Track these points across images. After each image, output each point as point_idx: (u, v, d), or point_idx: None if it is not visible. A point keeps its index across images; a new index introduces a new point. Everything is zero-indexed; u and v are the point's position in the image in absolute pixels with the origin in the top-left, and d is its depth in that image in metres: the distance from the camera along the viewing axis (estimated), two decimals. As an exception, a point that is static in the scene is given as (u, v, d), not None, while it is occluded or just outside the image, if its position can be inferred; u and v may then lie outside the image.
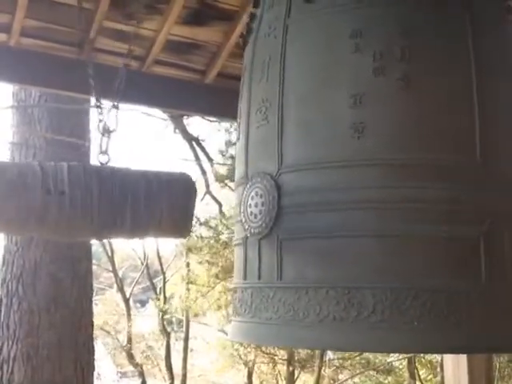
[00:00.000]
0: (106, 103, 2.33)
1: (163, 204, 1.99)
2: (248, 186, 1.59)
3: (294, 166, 1.51)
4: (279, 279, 1.49)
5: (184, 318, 12.78)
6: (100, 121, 2.21)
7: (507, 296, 1.42)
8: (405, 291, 1.35)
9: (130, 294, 13.48)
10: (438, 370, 9.17)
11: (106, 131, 2.17)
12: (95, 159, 2.12)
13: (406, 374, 10.09)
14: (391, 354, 9.99)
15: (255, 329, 1.56)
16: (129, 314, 12.49)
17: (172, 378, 12.18)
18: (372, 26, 1.48)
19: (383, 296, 1.35)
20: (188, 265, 11.70)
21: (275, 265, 1.50)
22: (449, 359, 2.73)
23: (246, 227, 1.57)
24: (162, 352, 12.54)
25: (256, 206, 1.55)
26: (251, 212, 1.56)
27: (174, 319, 13.47)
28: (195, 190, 2.10)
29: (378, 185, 1.41)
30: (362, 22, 1.49)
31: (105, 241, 12.81)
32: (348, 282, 1.39)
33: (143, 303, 16.62)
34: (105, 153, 2.13)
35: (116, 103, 2.23)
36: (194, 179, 2.13)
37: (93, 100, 2.36)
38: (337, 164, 1.45)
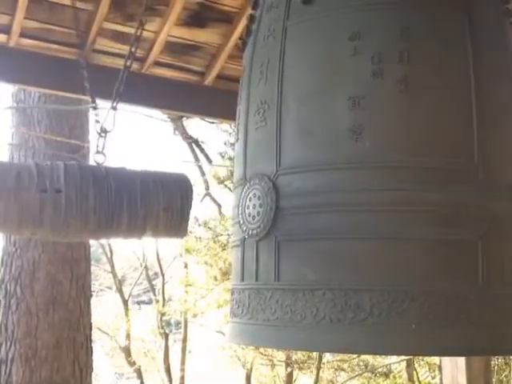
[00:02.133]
0: (106, 104, 2.34)
1: (160, 204, 1.99)
2: (246, 187, 1.59)
3: (292, 167, 1.51)
4: (276, 280, 1.49)
5: (182, 320, 12.78)
6: (97, 121, 2.21)
7: (505, 298, 1.43)
8: (402, 294, 1.35)
9: (129, 295, 13.47)
10: (437, 372, 9.17)
11: (103, 131, 2.17)
12: (92, 159, 2.12)
13: (405, 376, 10.10)
14: (389, 356, 9.99)
15: (252, 330, 1.56)
16: (127, 315, 12.48)
17: (170, 379, 12.17)
18: (371, 29, 1.48)
19: (380, 298, 1.35)
20: (187, 266, 11.71)
21: (273, 266, 1.50)
22: (447, 361, 2.74)
23: (244, 229, 1.57)
24: (161, 353, 12.53)
25: (254, 207, 1.55)
26: (249, 213, 1.56)
27: (172, 320, 13.47)
28: (192, 191, 2.10)
29: (375, 187, 1.41)
30: (361, 24, 1.49)
31: (104, 242, 12.81)
32: (345, 284, 1.39)
33: (142, 304, 16.61)
34: (101, 153, 2.13)
35: (115, 104, 2.23)
36: (190, 180, 2.13)
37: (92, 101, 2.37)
38: (335, 166, 1.46)
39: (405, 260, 1.38)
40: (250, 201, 1.56)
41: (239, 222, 1.60)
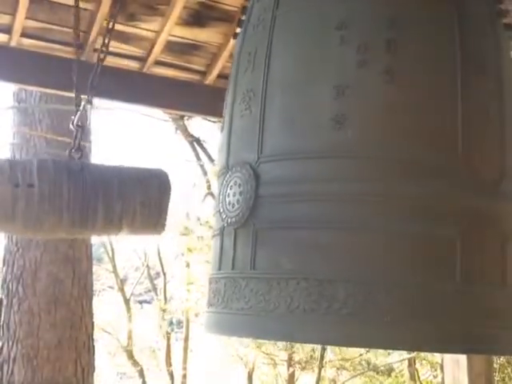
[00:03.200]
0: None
1: (136, 200, 1.95)
2: (228, 175, 1.58)
3: (274, 155, 1.49)
4: (252, 269, 1.47)
5: (184, 319, 12.77)
6: (75, 117, 2.20)
7: (484, 296, 1.41)
8: (377, 286, 1.33)
9: (131, 294, 13.47)
10: (439, 370, 9.17)
11: (78, 127, 2.16)
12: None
13: (407, 375, 10.09)
14: (391, 355, 9.97)
15: (227, 320, 1.54)
16: (129, 315, 12.49)
17: (172, 378, 12.18)
18: (358, 18, 1.47)
19: (355, 289, 1.33)
20: (188, 265, 11.70)
21: (249, 255, 1.48)
22: (449, 360, 2.73)
23: (224, 217, 1.55)
24: (163, 352, 12.53)
25: (234, 195, 1.53)
26: (229, 202, 1.54)
27: (174, 320, 13.47)
28: (169, 186, 2.06)
29: (356, 178, 1.40)
30: (348, 13, 1.48)
31: (106, 241, 12.82)
32: (320, 274, 1.37)
33: (144, 304, 16.62)
34: (77, 148, 2.11)
35: (90, 98, 2.22)
36: (168, 174, 2.09)
37: (92, 101, 2.36)
38: (315, 155, 1.44)
39: (383, 252, 1.36)
40: (230, 189, 1.55)
41: (219, 210, 1.58)
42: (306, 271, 1.39)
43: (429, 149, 1.41)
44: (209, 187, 11.20)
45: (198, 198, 12.16)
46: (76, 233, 2.04)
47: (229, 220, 1.53)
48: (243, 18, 1.78)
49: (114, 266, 13.01)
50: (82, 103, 2.22)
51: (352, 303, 1.33)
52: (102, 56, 2.26)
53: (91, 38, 2.64)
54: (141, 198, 1.95)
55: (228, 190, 1.55)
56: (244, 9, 1.80)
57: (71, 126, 2.16)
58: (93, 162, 2.04)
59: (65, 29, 2.63)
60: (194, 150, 10.76)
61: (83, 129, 2.13)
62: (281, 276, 1.41)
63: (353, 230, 1.39)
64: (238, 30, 1.84)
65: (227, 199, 1.55)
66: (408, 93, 1.42)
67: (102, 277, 13.96)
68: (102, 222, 1.92)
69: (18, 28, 2.55)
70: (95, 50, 2.69)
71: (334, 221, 1.39)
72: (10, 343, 5.50)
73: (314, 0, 1.55)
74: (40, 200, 1.84)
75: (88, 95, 2.21)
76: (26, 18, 2.53)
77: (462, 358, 2.61)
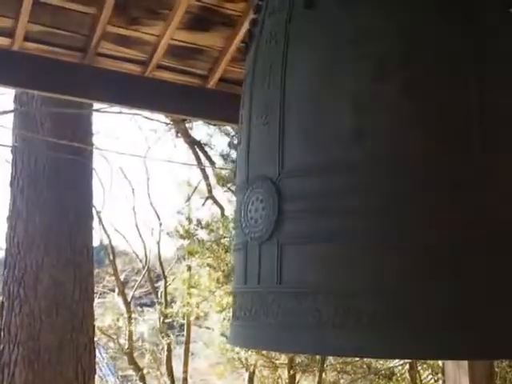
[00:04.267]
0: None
1: None
2: (249, 190, 1.59)
3: (295, 170, 1.51)
4: (279, 284, 1.49)
5: (185, 322, 12.77)
6: None
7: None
8: (405, 299, 1.34)
9: (132, 297, 13.47)
10: (440, 374, 9.16)
11: None
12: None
13: (408, 379, 10.08)
14: (392, 360, 9.97)
15: (254, 334, 1.56)
16: (130, 318, 12.49)
17: (173, 381, 12.17)
18: (373, 33, 1.48)
19: (383, 303, 1.35)
20: (189, 268, 11.70)
21: (275, 269, 1.49)
22: (450, 364, 2.74)
23: (247, 232, 1.57)
24: (163, 356, 12.53)
25: (256, 210, 1.55)
26: (251, 217, 1.56)
27: (175, 323, 13.47)
28: None
29: (378, 191, 1.41)
30: (363, 28, 1.49)
31: (106, 244, 12.83)
32: (347, 287, 1.39)
33: (145, 307, 16.62)
34: None
35: None
36: None
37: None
38: (337, 169, 1.45)
39: (407, 265, 1.37)
40: (252, 204, 1.56)
41: (241, 225, 1.60)
42: (332, 285, 1.41)
43: (445, 162, 1.41)
44: (209, 191, 11.22)
45: (199, 202, 12.18)
46: None
47: (252, 235, 1.55)
48: (253, 30, 1.78)
49: (115, 269, 13.01)
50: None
51: (380, 316, 1.34)
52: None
53: (94, 42, 2.65)
54: None
55: (250, 206, 1.57)
56: (254, 22, 1.80)
57: None
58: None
59: (67, 33, 2.64)
60: (195, 153, 10.78)
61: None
62: (308, 290, 1.43)
63: (378, 244, 1.40)
64: (247, 39, 1.84)
65: (249, 214, 1.56)
66: (423, 106, 1.42)
67: (103, 280, 13.97)
68: None
69: (20, 32, 2.56)
70: (98, 54, 2.70)
71: (359, 235, 1.40)
72: (11, 346, 5.51)
73: (326, 15, 1.56)
74: None
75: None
76: (29, 21, 2.54)
77: (463, 362, 2.62)
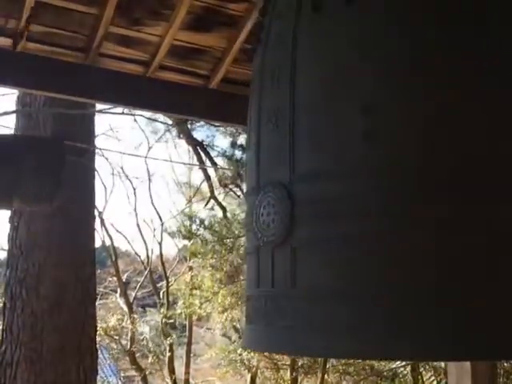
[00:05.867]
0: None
1: (28, 165, 1.85)
2: (260, 195, 1.59)
3: (307, 174, 1.50)
4: (293, 287, 1.49)
5: (187, 323, 12.77)
6: None
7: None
8: (421, 299, 1.34)
9: (134, 298, 13.49)
10: (443, 375, 9.14)
11: None
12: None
13: (411, 380, 10.06)
14: (394, 361, 9.96)
15: (269, 337, 1.56)
16: (132, 319, 12.49)
17: (175, 382, 12.17)
18: (382, 36, 1.48)
19: (396, 305, 1.34)
20: (191, 269, 11.71)
21: (289, 273, 1.49)
22: (453, 365, 2.73)
23: (259, 236, 1.57)
24: (165, 357, 12.53)
25: (268, 215, 1.55)
26: (264, 221, 1.55)
27: (177, 324, 13.48)
28: (64, 153, 1.96)
29: (389, 194, 1.40)
30: (372, 30, 1.49)
31: (109, 245, 12.84)
32: (361, 291, 1.38)
33: (147, 308, 16.63)
34: None
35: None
36: (63, 143, 2.01)
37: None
38: (348, 173, 1.45)
39: (420, 265, 1.36)
40: (264, 209, 1.56)
41: (253, 229, 1.60)
42: (347, 289, 1.40)
43: (457, 163, 1.39)
44: (212, 191, 11.22)
45: (201, 203, 12.19)
46: None
47: (265, 239, 1.55)
48: (259, 34, 1.77)
49: (117, 270, 13.03)
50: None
51: (394, 319, 1.34)
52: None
53: (96, 42, 2.65)
54: (33, 164, 1.85)
55: (262, 210, 1.57)
56: (260, 25, 1.79)
57: None
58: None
59: (70, 33, 2.64)
60: (197, 153, 10.78)
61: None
62: (322, 294, 1.43)
63: (391, 246, 1.39)
64: (253, 42, 1.83)
65: (261, 219, 1.56)
66: (435, 107, 1.42)
67: (104, 280, 13.98)
68: None
69: (22, 32, 2.56)
70: (100, 55, 2.70)
71: (372, 237, 1.40)
72: (13, 346, 5.51)
73: (334, 18, 1.55)
74: None
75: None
76: (31, 22, 2.54)
77: (466, 363, 2.61)
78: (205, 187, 12.01)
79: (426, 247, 1.38)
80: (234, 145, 9.78)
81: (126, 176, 13.32)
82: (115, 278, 13.31)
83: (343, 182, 1.45)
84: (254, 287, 1.63)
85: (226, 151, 9.96)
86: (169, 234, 12.27)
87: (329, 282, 1.43)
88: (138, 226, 13.35)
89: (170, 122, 10.50)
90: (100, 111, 7.45)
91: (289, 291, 1.50)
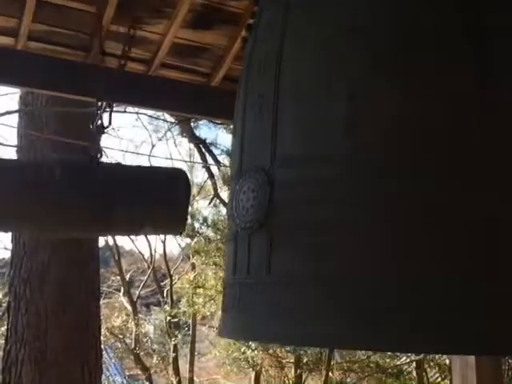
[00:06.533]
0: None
1: (158, 199, 1.97)
2: (241, 180, 1.58)
3: (288, 160, 1.49)
4: (268, 274, 1.47)
5: (191, 321, 12.78)
6: (98, 119, 2.25)
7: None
8: (403, 285, 1.32)
9: (137, 297, 13.50)
10: (447, 372, 9.14)
11: (101, 128, 2.21)
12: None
13: (415, 377, 10.06)
14: (399, 357, 9.95)
15: (242, 325, 1.53)
16: (136, 318, 12.51)
17: (179, 381, 12.19)
18: (371, 23, 1.46)
19: (375, 290, 1.32)
20: (194, 267, 11.72)
21: (264, 260, 1.47)
22: (457, 362, 2.72)
23: (237, 222, 1.55)
24: (170, 355, 12.55)
25: (248, 200, 1.53)
26: (243, 206, 1.54)
27: (181, 322, 13.50)
28: (189, 185, 2.09)
29: (372, 182, 1.39)
30: (362, 18, 1.47)
31: (112, 244, 12.86)
32: (337, 277, 1.37)
33: (151, 306, 16.65)
34: (97, 148, 2.16)
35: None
36: (187, 174, 2.13)
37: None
38: (329, 159, 1.43)
39: (402, 250, 1.35)
40: (244, 194, 1.54)
41: (233, 215, 1.58)
42: (322, 275, 1.39)
43: (442, 155, 1.39)
44: (215, 189, 11.22)
45: (205, 201, 12.19)
46: (94, 231, 2.06)
47: (243, 225, 1.53)
48: (251, 22, 1.77)
49: (120, 269, 13.05)
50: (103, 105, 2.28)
51: (368, 306, 1.32)
52: (122, 62, 2.31)
53: (97, 41, 2.65)
54: (162, 197, 1.98)
55: (241, 195, 1.55)
56: (253, 14, 1.79)
57: (93, 127, 2.22)
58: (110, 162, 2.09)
59: (71, 32, 2.64)
60: (201, 152, 10.79)
61: (102, 131, 2.19)
62: (297, 280, 1.41)
63: (370, 231, 1.38)
64: (243, 32, 1.84)
65: (240, 204, 1.55)
66: (421, 97, 1.40)
67: (108, 280, 14.00)
68: (121, 221, 1.95)
69: (24, 31, 2.56)
70: (102, 53, 2.69)
71: (350, 223, 1.38)
72: (18, 346, 5.52)
73: (325, 4, 1.54)
74: (56, 199, 1.89)
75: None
76: (32, 21, 2.54)
77: (471, 360, 2.60)
78: (208, 185, 12.02)
79: (404, 235, 1.37)
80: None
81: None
82: (119, 277, 13.33)
83: (321, 168, 1.43)
84: (231, 275, 1.61)
85: (229, 149, 9.97)
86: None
87: (302, 269, 1.41)
88: (141, 224, 13.36)
89: (173, 120, 10.50)
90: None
91: (263, 278, 1.47)
